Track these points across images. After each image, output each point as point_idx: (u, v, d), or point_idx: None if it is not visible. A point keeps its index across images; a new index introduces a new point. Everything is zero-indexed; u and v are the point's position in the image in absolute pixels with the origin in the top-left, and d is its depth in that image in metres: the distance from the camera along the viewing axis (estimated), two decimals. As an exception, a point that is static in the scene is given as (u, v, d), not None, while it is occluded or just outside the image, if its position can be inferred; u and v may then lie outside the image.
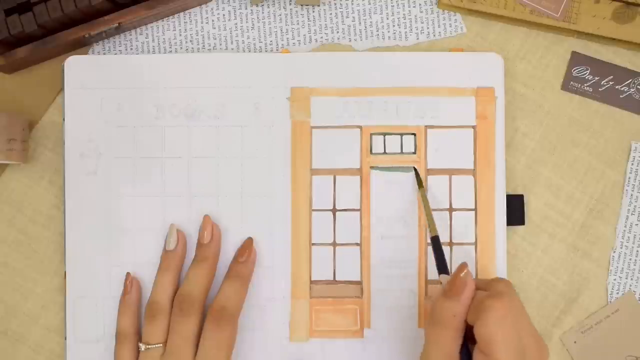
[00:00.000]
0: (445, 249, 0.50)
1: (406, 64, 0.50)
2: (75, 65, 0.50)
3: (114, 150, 0.50)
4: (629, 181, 0.51)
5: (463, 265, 0.41)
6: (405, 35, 0.52)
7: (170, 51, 0.52)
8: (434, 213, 0.49)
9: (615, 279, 0.51)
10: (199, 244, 0.49)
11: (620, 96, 0.52)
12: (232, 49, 0.52)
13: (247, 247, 0.49)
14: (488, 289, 0.42)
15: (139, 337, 0.48)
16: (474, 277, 0.49)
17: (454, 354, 0.40)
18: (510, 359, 0.38)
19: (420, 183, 0.49)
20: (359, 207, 0.50)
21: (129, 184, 0.50)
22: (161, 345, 0.46)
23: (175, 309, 0.46)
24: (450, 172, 0.50)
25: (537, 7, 0.51)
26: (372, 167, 0.50)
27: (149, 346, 0.46)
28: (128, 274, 0.49)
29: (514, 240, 0.51)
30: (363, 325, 0.49)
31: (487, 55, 0.51)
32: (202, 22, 0.52)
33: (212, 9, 0.52)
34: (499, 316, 0.39)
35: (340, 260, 0.50)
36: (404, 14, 0.52)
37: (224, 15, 0.52)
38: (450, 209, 0.50)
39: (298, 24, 0.52)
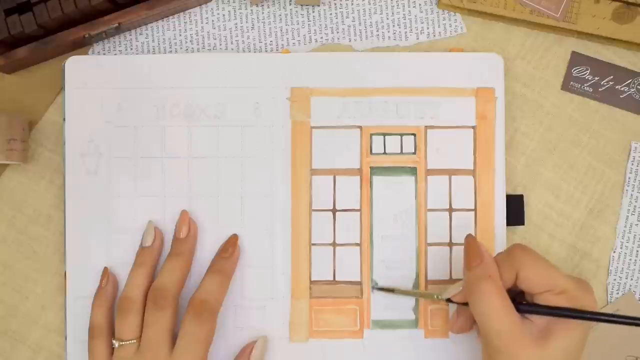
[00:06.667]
0: (445, 249, 0.50)
1: (406, 64, 0.50)
2: (75, 65, 0.50)
3: (114, 150, 0.50)
4: (629, 181, 0.51)
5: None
6: (405, 35, 0.52)
7: (170, 51, 0.52)
8: (433, 214, 0.49)
9: (615, 279, 0.51)
10: (175, 239, 0.48)
11: (620, 96, 0.52)
12: (232, 49, 0.52)
13: (231, 244, 0.48)
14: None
15: (113, 332, 0.47)
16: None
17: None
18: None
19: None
20: (358, 207, 0.50)
21: (129, 184, 0.50)
22: (135, 341, 0.45)
23: (149, 303, 0.45)
24: (450, 172, 0.50)
25: (537, 7, 0.51)
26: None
27: (123, 342, 0.45)
28: (105, 268, 0.49)
29: (514, 240, 0.51)
30: (363, 325, 0.49)
31: (487, 55, 0.50)
32: (202, 22, 0.52)
33: (212, 9, 0.52)
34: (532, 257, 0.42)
35: (340, 260, 0.50)
36: (404, 14, 0.52)
37: (224, 15, 0.52)
38: (450, 209, 0.50)
39: (298, 24, 0.52)
